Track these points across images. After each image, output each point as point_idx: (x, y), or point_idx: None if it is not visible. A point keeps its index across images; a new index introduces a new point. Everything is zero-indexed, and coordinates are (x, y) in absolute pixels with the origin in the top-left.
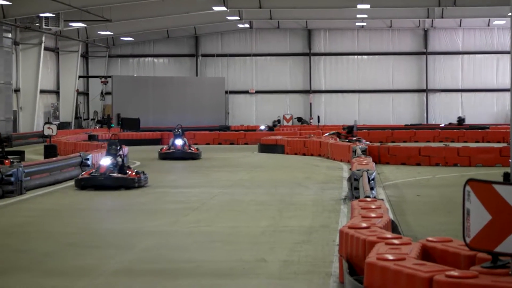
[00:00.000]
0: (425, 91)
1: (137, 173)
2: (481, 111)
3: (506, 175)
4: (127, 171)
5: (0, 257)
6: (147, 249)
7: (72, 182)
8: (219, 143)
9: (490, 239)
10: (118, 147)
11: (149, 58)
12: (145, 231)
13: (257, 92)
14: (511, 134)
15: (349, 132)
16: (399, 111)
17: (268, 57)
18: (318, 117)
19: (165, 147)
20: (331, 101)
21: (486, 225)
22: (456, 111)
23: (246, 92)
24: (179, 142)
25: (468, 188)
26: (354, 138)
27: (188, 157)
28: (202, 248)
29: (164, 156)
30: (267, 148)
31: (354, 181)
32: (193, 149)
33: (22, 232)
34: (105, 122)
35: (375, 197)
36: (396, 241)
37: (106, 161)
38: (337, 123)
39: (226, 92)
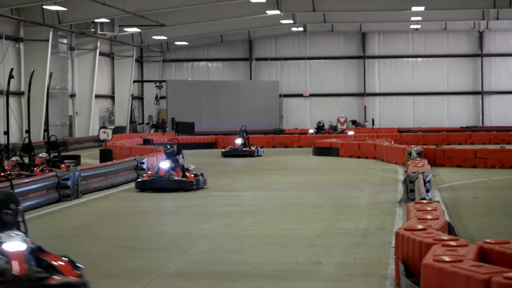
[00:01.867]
0: (481, 93)
1: (195, 175)
2: None
3: None
4: (186, 174)
5: None
6: (204, 251)
7: (127, 186)
8: (274, 147)
9: None
10: (177, 150)
11: (203, 62)
12: (201, 233)
13: (311, 95)
14: None
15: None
16: (454, 114)
17: (322, 60)
18: (373, 120)
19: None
20: (385, 104)
21: None
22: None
23: (300, 95)
24: (238, 141)
25: None
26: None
27: (247, 154)
28: (258, 250)
29: (225, 154)
30: (321, 151)
31: (409, 183)
32: (253, 148)
33: (78, 235)
34: (159, 126)
35: (431, 199)
36: (452, 243)
37: (165, 164)
38: (391, 126)
39: (280, 95)
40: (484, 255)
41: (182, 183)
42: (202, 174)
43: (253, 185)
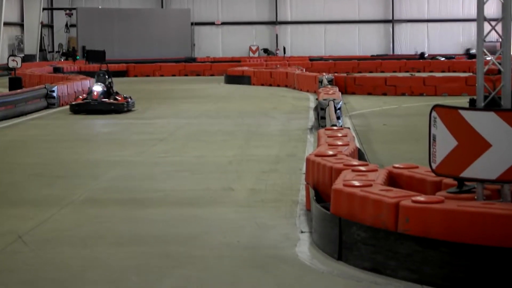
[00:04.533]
0: (391, 21)
1: (125, 98)
2: (446, 41)
3: (471, 101)
4: (117, 97)
5: None
6: (115, 178)
7: (37, 114)
8: (186, 75)
9: (456, 165)
10: (107, 76)
11: None
12: (113, 161)
13: (223, 23)
14: (477, 62)
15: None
16: (365, 42)
17: None
18: (284, 48)
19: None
20: (297, 32)
21: (452, 150)
22: (422, 41)
23: (212, 23)
24: (97, 88)
25: (434, 114)
26: None
27: (111, 109)
28: (170, 177)
29: (77, 109)
30: (233, 79)
31: (320, 110)
32: (119, 98)
33: None
34: (70, 54)
35: (341, 126)
36: (362, 168)
37: (98, 88)
38: (303, 54)
39: (192, 23)
40: (393, 180)
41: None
42: (130, 97)
43: (164, 113)
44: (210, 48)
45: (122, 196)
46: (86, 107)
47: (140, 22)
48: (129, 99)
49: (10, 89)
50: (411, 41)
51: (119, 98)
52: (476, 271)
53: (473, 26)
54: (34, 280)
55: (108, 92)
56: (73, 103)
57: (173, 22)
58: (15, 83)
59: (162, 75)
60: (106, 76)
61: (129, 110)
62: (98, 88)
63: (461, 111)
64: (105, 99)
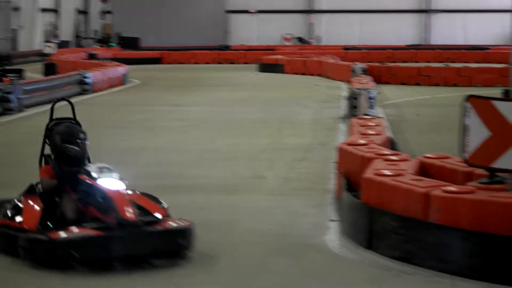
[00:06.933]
0: (427, 11)
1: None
2: (483, 32)
3: (506, 93)
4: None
5: None
6: (146, 165)
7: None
8: (219, 63)
9: (487, 155)
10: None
11: None
12: (146, 147)
13: (258, 11)
14: (511, 53)
15: None
16: (400, 32)
17: None
18: (319, 37)
19: None
20: (332, 21)
21: (484, 141)
22: (458, 31)
23: (247, 11)
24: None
25: (467, 104)
26: None
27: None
28: (202, 165)
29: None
30: (267, 67)
31: (353, 100)
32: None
33: (19, 150)
34: (104, 41)
35: (374, 116)
36: (394, 158)
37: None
38: (337, 43)
39: (227, 11)
40: (425, 170)
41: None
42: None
43: (198, 100)
44: (244, 36)
45: (152, 183)
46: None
47: (174, 9)
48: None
49: (45, 75)
50: (447, 31)
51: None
52: (506, 262)
53: (509, 16)
54: None
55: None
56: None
57: (208, 9)
58: (50, 69)
59: (196, 63)
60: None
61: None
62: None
63: (494, 102)
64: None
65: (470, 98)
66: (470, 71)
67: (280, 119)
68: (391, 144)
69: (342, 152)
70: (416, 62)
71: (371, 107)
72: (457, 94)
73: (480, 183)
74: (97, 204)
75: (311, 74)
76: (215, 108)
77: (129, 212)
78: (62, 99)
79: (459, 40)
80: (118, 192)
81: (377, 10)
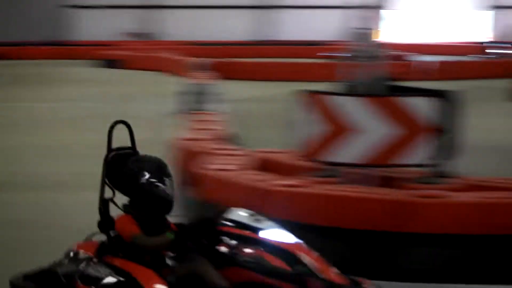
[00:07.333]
0: (274, 7)
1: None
2: (329, 27)
3: (339, 87)
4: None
5: None
6: None
7: None
8: (57, 58)
9: (322, 150)
10: None
11: None
12: None
13: (104, 7)
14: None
15: None
16: (246, 27)
17: None
18: (158, 33)
19: None
20: (178, 16)
21: (319, 135)
22: (304, 27)
23: (90, 7)
24: None
25: (303, 99)
26: None
27: None
28: (35, 162)
29: None
30: (108, 63)
31: (190, 94)
32: None
33: None
34: None
35: (212, 111)
36: (232, 153)
37: None
38: (185, 39)
39: (68, 6)
40: (263, 164)
41: None
42: None
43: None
44: (87, 31)
45: None
46: None
47: (7, 4)
48: None
49: None
50: (294, 27)
51: None
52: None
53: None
54: None
55: None
56: None
57: (43, 3)
58: None
59: (31, 59)
60: None
61: None
62: None
63: (329, 96)
64: None
65: (306, 93)
66: (307, 66)
67: (117, 114)
68: (229, 139)
69: (177, 147)
70: (262, 57)
71: (209, 102)
72: (292, 89)
73: (316, 176)
74: (271, 268)
75: (153, 70)
76: (55, 104)
77: (334, 273)
78: (120, 121)
79: (309, 36)
80: (300, 246)
81: (225, 6)
